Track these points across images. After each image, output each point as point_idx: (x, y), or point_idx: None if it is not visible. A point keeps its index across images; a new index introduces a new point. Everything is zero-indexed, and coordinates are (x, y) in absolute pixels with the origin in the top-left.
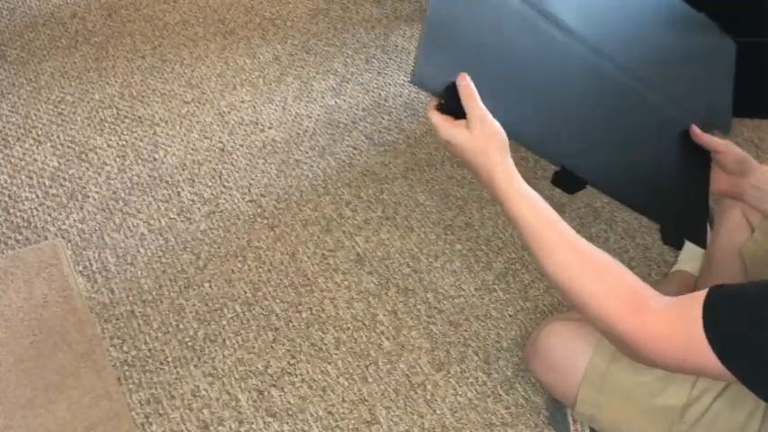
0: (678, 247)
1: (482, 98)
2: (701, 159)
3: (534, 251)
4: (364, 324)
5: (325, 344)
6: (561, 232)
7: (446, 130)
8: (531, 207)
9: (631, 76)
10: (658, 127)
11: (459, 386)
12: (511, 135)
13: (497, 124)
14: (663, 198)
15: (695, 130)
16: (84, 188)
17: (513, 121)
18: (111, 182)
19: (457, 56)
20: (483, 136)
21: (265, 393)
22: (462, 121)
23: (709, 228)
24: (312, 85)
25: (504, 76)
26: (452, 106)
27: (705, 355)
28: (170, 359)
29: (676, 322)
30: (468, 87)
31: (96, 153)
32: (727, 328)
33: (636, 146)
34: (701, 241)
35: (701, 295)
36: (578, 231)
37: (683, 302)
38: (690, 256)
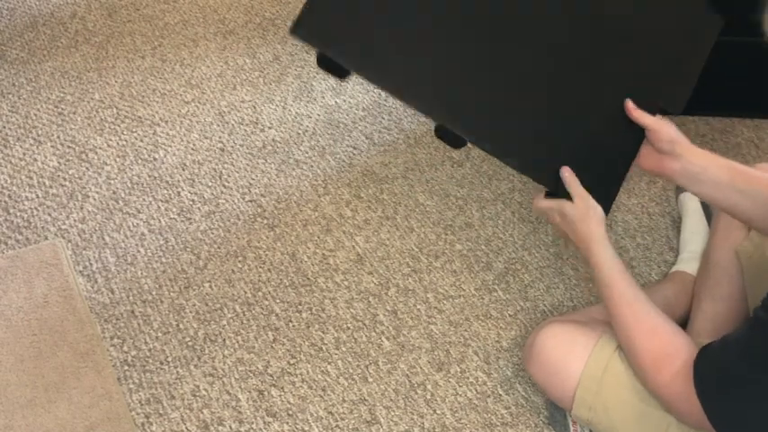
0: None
1: (361, 56)
2: (632, 131)
3: (608, 307)
4: (364, 324)
5: (325, 344)
6: (630, 299)
7: (558, 206)
8: (615, 273)
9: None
10: (580, 92)
11: (459, 386)
12: (384, 87)
13: (594, 202)
14: (552, 160)
15: (628, 105)
16: (84, 188)
17: (390, 75)
18: (111, 182)
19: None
20: (584, 208)
21: (265, 393)
22: (565, 200)
23: (707, 227)
24: (312, 85)
25: (391, 29)
26: (557, 192)
27: (704, 417)
28: (170, 359)
29: (681, 386)
30: (571, 175)
31: (96, 153)
32: (714, 395)
33: (533, 108)
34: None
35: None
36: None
37: (689, 366)
38: (689, 257)
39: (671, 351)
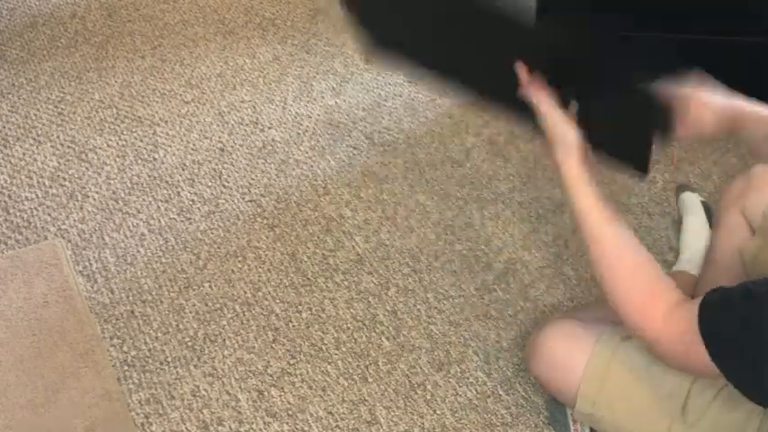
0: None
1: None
2: None
3: (586, 239)
4: (364, 324)
5: (325, 344)
6: (612, 230)
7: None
8: (591, 210)
9: None
10: None
11: (459, 386)
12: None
13: (567, 128)
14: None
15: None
16: (84, 188)
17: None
18: (111, 182)
19: None
20: (552, 134)
21: (265, 393)
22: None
23: (708, 227)
24: (312, 85)
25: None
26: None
27: (702, 356)
28: (170, 359)
29: (677, 326)
30: (536, 90)
31: (96, 153)
32: (721, 329)
33: None
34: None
35: (700, 299)
36: (577, 232)
37: (684, 307)
38: (690, 257)
39: (656, 293)
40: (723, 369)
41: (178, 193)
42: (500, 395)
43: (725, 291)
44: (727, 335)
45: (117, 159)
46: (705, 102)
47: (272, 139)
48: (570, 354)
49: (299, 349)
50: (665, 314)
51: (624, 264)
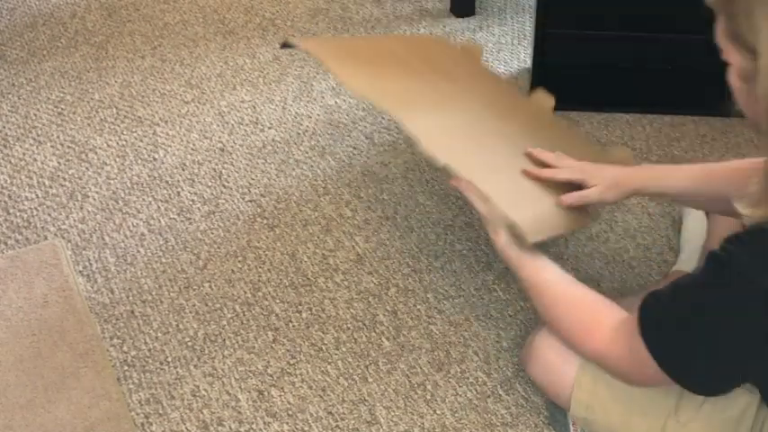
0: None
1: None
2: None
3: (530, 298)
4: (364, 324)
5: (325, 344)
6: (545, 285)
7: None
8: (525, 268)
9: None
10: None
11: (459, 386)
12: None
13: (500, 213)
14: None
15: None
16: (84, 188)
17: None
18: (111, 182)
19: None
20: (486, 225)
21: (265, 393)
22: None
23: (707, 226)
24: (312, 85)
25: None
26: None
27: (651, 363)
28: (170, 359)
29: (623, 342)
30: (467, 188)
31: (96, 153)
32: (659, 330)
33: None
34: None
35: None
36: (578, 232)
37: (627, 320)
38: (690, 257)
39: (598, 316)
40: (664, 369)
41: (178, 193)
42: (500, 395)
43: (657, 291)
44: (665, 334)
45: (117, 159)
46: (594, 174)
47: (272, 139)
48: (564, 357)
49: (299, 349)
50: (611, 334)
51: (559, 306)
